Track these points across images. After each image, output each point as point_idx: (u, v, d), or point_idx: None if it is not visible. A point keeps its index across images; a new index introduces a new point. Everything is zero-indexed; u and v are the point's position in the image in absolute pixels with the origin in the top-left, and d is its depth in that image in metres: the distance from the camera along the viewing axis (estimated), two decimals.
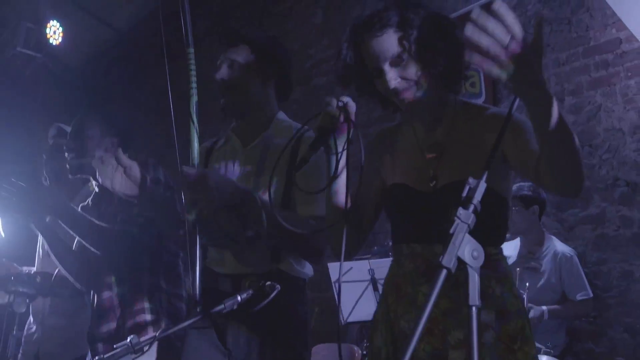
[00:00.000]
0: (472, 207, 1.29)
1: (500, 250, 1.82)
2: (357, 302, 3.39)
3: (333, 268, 3.44)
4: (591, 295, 3.78)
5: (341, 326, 3.62)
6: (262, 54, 2.35)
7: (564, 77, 4.21)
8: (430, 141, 1.87)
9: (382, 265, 3.39)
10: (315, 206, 2.14)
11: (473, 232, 1.64)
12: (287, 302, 2.13)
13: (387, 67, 1.77)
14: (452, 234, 1.25)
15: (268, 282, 1.80)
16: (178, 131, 2.05)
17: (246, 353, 2.17)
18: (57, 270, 3.11)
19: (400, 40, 1.76)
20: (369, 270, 3.42)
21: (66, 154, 2.77)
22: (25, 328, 3.34)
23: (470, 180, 1.32)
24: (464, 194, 1.32)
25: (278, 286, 1.77)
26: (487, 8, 1.22)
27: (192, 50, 2.08)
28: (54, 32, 6.72)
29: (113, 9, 7.30)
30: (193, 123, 2.02)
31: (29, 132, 7.12)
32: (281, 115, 2.42)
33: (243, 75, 2.31)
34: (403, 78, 1.77)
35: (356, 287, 3.42)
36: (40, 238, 3.52)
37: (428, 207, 1.79)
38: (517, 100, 1.36)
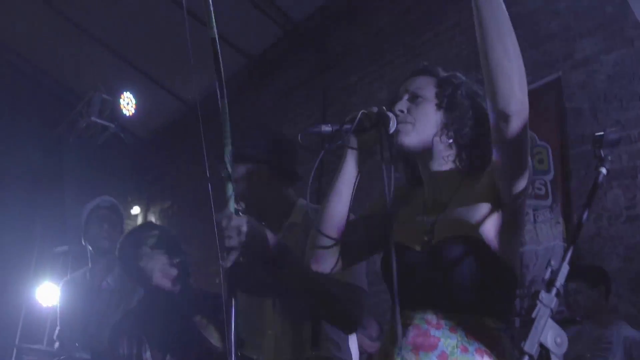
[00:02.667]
0: (554, 291, 1.23)
1: (503, 327, 1.66)
2: None
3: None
4: None
5: None
6: (267, 165, 2.37)
7: None
8: (434, 201, 1.82)
9: None
10: (351, 274, 2.11)
11: (471, 301, 1.59)
12: None
13: (405, 97, 1.82)
14: (534, 319, 1.20)
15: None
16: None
17: None
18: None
19: (434, 88, 1.80)
20: None
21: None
22: None
23: (553, 262, 1.27)
24: (546, 276, 1.26)
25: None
26: None
27: (225, 101, 2.12)
28: (127, 103, 6.96)
29: (183, 82, 7.54)
30: (228, 170, 2.02)
31: (98, 195, 7.31)
32: (301, 201, 2.41)
33: (256, 189, 2.34)
34: (410, 113, 1.78)
35: None
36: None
37: (420, 266, 1.71)
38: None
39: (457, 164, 1.80)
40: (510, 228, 1.69)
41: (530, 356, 1.16)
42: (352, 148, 1.81)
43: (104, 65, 7.50)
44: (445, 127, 1.78)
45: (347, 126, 1.73)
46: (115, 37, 7.25)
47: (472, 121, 1.78)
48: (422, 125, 1.78)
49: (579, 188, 4.16)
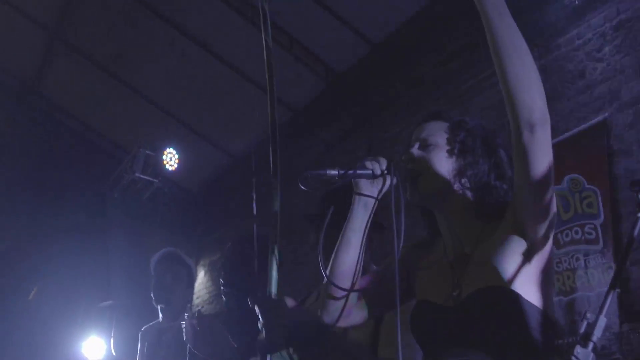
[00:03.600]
0: (591, 345, 1.15)
1: None
2: None
3: None
4: None
5: None
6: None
7: None
8: (457, 254, 1.74)
9: None
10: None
11: (508, 353, 1.51)
12: None
13: (416, 145, 1.78)
14: None
15: None
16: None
17: None
18: None
19: (445, 133, 1.78)
20: None
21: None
22: None
23: (589, 315, 1.19)
24: (581, 330, 1.18)
25: None
26: None
27: (278, 180, 2.08)
28: (170, 158, 7.07)
29: (229, 136, 7.63)
30: (273, 252, 1.99)
31: (147, 253, 7.40)
32: None
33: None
34: (422, 161, 1.74)
35: None
36: None
37: (452, 322, 1.63)
38: None
39: (475, 211, 1.73)
40: (540, 269, 1.62)
41: None
42: (361, 194, 1.78)
43: (149, 120, 7.67)
44: (459, 173, 1.73)
45: (355, 172, 1.69)
46: (160, 93, 7.41)
47: (486, 165, 1.72)
48: (435, 173, 1.73)
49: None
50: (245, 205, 7.84)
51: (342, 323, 1.86)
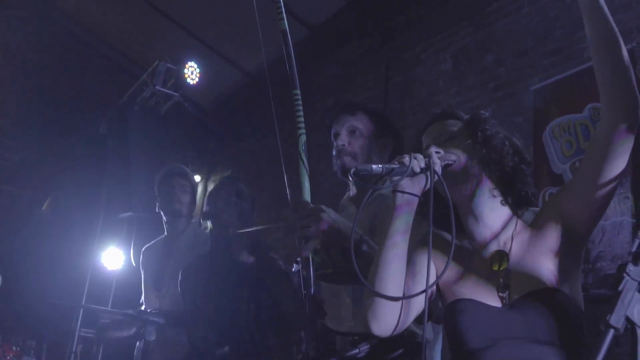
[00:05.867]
0: None
1: None
2: None
3: None
4: None
5: None
6: (381, 123, 2.37)
7: None
8: (490, 250, 1.74)
9: None
10: None
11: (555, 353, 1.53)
12: None
13: (432, 147, 1.74)
14: (621, 292, 1.16)
15: (406, 333, 1.75)
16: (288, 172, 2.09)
17: None
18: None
19: (464, 127, 1.79)
20: None
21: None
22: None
23: None
24: (633, 248, 1.22)
25: (419, 333, 1.72)
26: None
27: (297, 91, 2.11)
28: (192, 72, 7.01)
29: (245, 53, 7.55)
30: (303, 162, 2.02)
31: (162, 163, 7.46)
32: None
33: (364, 143, 2.33)
34: (447, 151, 1.73)
35: None
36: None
37: (504, 323, 1.62)
38: None
39: (504, 201, 1.75)
40: (579, 264, 1.67)
41: (616, 329, 1.13)
42: (403, 192, 1.71)
43: (167, 37, 7.57)
44: (486, 163, 1.73)
45: (395, 167, 1.66)
46: (176, 7, 7.29)
47: (511, 150, 1.73)
48: (464, 165, 1.73)
49: None
50: (258, 123, 7.89)
51: (397, 332, 1.76)
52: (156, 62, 6.97)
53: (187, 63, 6.98)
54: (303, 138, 2.09)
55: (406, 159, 1.66)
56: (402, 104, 6.06)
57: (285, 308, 2.53)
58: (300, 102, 2.14)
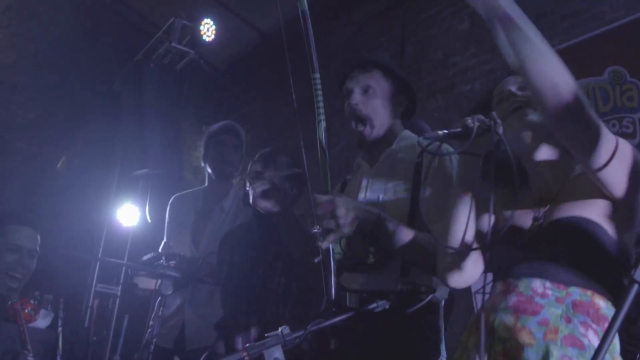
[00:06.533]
0: None
1: (612, 308, 1.64)
2: None
3: None
4: None
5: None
6: (397, 81, 2.35)
7: None
8: (542, 193, 1.82)
9: None
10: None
11: (581, 277, 1.61)
12: (417, 324, 2.08)
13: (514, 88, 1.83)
14: None
15: (424, 286, 1.77)
16: (307, 149, 2.09)
17: None
18: (201, 260, 3.23)
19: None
20: None
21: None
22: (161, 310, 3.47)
23: None
24: None
25: (435, 290, 1.75)
26: None
27: (317, 75, 2.09)
28: (208, 29, 6.96)
29: (259, 12, 7.49)
30: (324, 150, 2.02)
31: (177, 121, 7.47)
32: (406, 132, 2.39)
33: (378, 103, 2.31)
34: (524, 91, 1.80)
35: None
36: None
37: (531, 240, 1.73)
38: None
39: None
40: (623, 215, 1.69)
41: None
42: (466, 153, 1.80)
43: None
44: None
45: (459, 130, 1.72)
46: None
47: None
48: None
49: None
50: (272, 83, 7.85)
51: (472, 282, 1.92)
52: (172, 19, 6.93)
53: (202, 20, 6.92)
54: (323, 124, 2.07)
55: (469, 121, 1.72)
56: (417, 65, 6.01)
57: (295, 256, 2.55)
58: (320, 87, 2.11)
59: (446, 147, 1.89)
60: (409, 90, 2.43)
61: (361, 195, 2.33)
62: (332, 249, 1.98)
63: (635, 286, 1.11)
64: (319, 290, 2.10)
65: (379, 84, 2.35)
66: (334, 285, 1.95)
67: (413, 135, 2.36)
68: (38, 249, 3.26)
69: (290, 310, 2.63)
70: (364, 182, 2.35)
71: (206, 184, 3.83)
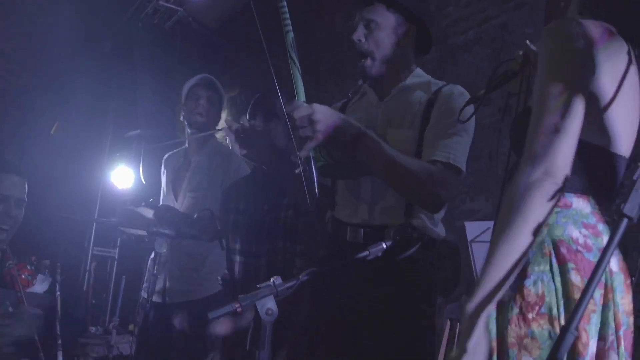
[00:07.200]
0: None
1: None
2: None
3: (470, 227, 3.34)
4: None
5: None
6: (399, 11, 2.28)
7: None
8: None
9: None
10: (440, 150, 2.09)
11: None
12: (418, 259, 2.07)
13: None
14: (636, 181, 1.13)
15: (415, 233, 1.74)
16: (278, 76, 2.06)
17: (361, 308, 2.15)
18: (195, 215, 3.22)
19: None
20: None
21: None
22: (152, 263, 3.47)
23: None
24: None
25: (426, 236, 1.71)
26: None
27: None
28: None
29: None
30: (293, 61, 1.99)
31: (168, 81, 7.38)
32: (419, 71, 2.35)
33: (380, 37, 2.26)
34: None
35: None
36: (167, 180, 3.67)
37: None
38: None
39: None
40: None
41: (630, 219, 1.11)
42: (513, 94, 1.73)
43: None
44: None
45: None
46: None
47: None
48: None
49: None
50: (265, 41, 7.74)
51: None
52: None
53: None
54: (290, 35, 2.06)
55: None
56: None
57: (304, 208, 2.54)
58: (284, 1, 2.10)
59: None
60: (418, 17, 2.34)
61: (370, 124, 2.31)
62: (313, 157, 1.96)
63: (625, 220, 1.09)
64: (323, 227, 2.09)
65: (382, 17, 2.28)
66: (317, 193, 1.92)
67: (425, 74, 2.33)
68: (26, 197, 3.06)
69: (296, 244, 2.64)
70: (372, 117, 2.31)
71: (187, 143, 3.84)
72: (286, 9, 2.06)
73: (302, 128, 1.91)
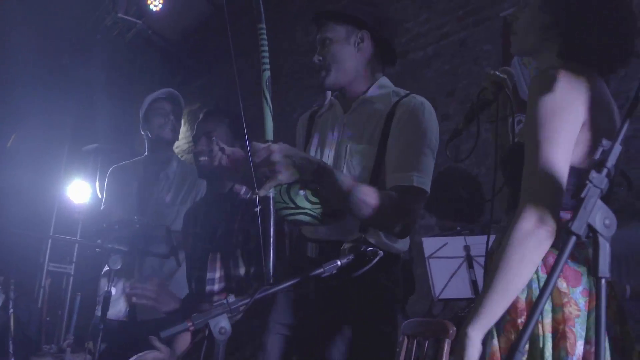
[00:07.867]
0: (605, 171, 1.17)
1: None
2: (450, 279, 3.28)
3: (427, 243, 3.35)
4: None
5: (433, 302, 3.56)
6: (347, 22, 2.29)
7: None
8: None
9: (479, 242, 3.27)
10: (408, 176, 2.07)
11: None
12: (375, 276, 2.05)
13: None
14: (583, 198, 1.14)
15: (370, 248, 1.72)
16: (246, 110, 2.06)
17: (323, 324, 2.13)
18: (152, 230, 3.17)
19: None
20: (464, 247, 3.31)
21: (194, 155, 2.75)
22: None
23: (604, 142, 1.21)
24: (596, 156, 1.20)
25: (381, 252, 1.70)
26: None
27: (263, 26, 2.05)
28: None
29: None
30: (266, 99, 1.99)
31: (128, 94, 7.31)
32: (383, 80, 2.34)
33: (334, 49, 2.26)
34: None
35: (450, 264, 3.31)
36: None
37: None
38: None
39: None
40: None
41: (578, 236, 1.12)
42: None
43: None
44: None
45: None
46: None
47: None
48: None
49: None
50: (227, 54, 7.73)
51: None
52: None
53: None
54: (267, 74, 2.03)
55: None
56: None
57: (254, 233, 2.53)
58: (265, 37, 2.07)
59: None
60: (369, 24, 2.33)
61: (330, 138, 2.29)
62: (272, 198, 1.95)
63: (573, 238, 1.11)
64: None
65: (333, 31, 2.29)
66: (273, 234, 1.90)
67: (390, 83, 2.32)
68: None
69: (248, 267, 2.62)
70: (336, 130, 2.30)
71: (146, 153, 3.77)
72: (266, 46, 2.05)
73: (261, 168, 1.90)
